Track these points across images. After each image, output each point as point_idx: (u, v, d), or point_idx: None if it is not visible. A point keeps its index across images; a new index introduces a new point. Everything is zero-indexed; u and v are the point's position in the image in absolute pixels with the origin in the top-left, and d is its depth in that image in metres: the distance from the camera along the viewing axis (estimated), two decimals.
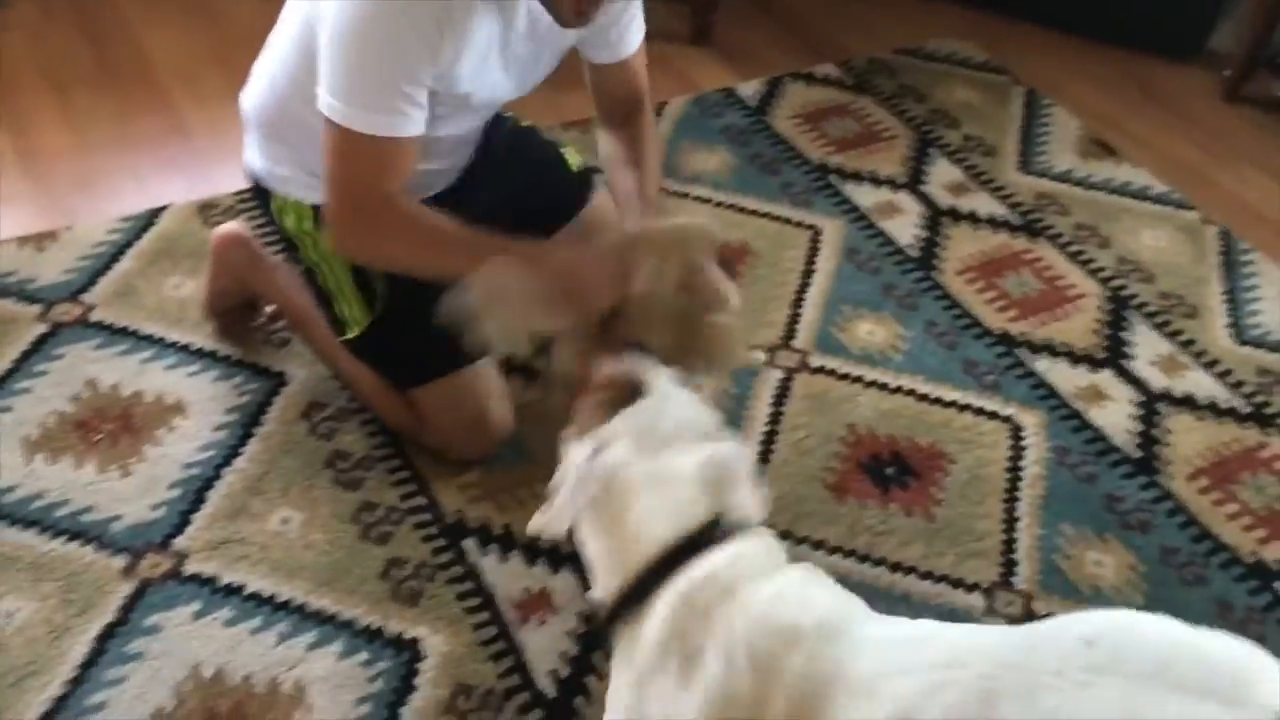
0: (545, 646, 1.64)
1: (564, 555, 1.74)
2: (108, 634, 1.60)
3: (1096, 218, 2.47)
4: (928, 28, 3.01)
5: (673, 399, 1.29)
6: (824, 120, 2.67)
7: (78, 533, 1.71)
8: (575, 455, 1.24)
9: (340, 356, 1.90)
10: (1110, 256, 2.38)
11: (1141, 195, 2.54)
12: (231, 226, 2.04)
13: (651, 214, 1.68)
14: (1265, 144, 2.75)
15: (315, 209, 1.78)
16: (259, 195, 1.87)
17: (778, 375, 2.06)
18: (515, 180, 1.91)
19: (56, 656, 1.57)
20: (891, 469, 1.92)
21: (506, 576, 1.72)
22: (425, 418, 1.84)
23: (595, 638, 1.64)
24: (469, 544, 1.75)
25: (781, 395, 2.02)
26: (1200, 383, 2.12)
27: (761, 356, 2.08)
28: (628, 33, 1.79)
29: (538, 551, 1.75)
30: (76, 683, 1.54)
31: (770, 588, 1.14)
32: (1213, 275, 2.35)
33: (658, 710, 1.14)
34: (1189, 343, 2.20)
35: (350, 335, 1.83)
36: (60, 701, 1.52)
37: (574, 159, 2.07)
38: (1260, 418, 2.07)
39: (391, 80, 1.49)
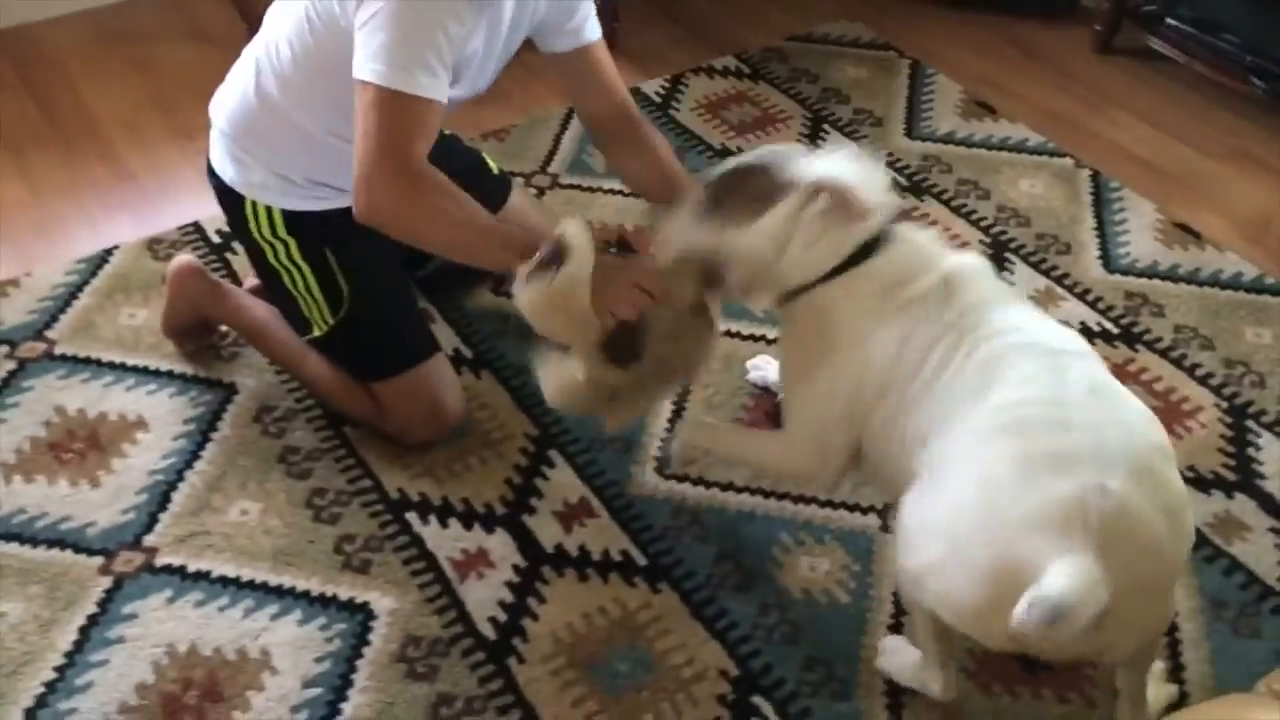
0: (483, 597, 1.82)
1: (498, 517, 1.93)
2: (90, 624, 1.78)
3: (978, 173, 2.67)
4: (817, 13, 3.22)
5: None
6: (724, 109, 2.87)
7: (57, 540, 1.90)
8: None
9: (298, 360, 2.09)
10: (990, 207, 2.58)
11: (1019, 148, 2.75)
12: (186, 258, 2.20)
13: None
14: (1135, 90, 2.96)
15: (285, 214, 1.96)
16: (228, 202, 2.03)
17: None
18: None
19: (46, 647, 1.75)
20: None
21: (447, 541, 1.91)
22: (386, 408, 2.02)
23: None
24: (411, 516, 1.94)
25: None
26: (1074, 311, 2.32)
27: None
28: (586, 21, 1.95)
29: (474, 516, 1.94)
30: (65, 668, 1.73)
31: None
32: (1085, 214, 2.56)
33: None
34: (1063, 276, 2.40)
35: (315, 334, 2.01)
36: (52, 685, 1.71)
37: (493, 163, 2.30)
38: (1129, 336, 2.27)
39: (431, 46, 1.66)
